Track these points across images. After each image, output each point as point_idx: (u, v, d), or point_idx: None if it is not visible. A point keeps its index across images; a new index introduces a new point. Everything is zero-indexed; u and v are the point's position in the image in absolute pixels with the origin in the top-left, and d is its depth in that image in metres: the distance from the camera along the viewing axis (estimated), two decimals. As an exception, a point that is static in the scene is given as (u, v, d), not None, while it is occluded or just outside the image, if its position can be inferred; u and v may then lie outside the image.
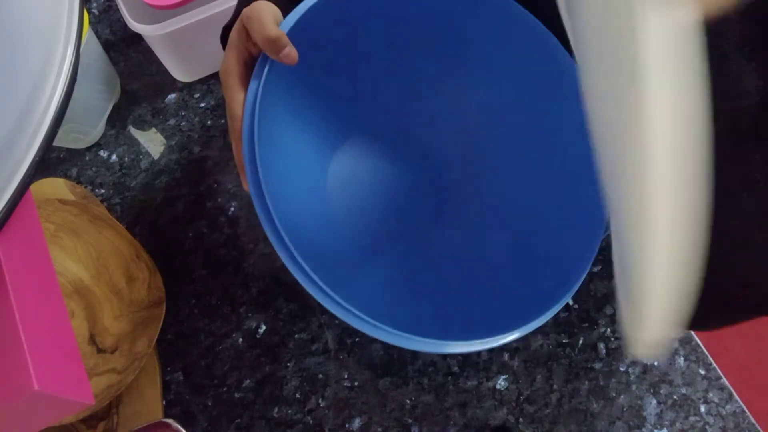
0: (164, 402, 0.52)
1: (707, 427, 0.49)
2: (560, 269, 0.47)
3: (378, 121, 0.56)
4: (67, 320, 0.35)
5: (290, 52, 0.39)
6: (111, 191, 0.61)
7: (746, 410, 0.49)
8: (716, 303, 0.35)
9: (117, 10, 0.71)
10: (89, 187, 0.61)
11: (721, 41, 0.34)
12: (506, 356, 0.52)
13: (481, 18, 0.48)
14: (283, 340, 0.53)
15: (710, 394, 0.50)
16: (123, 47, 0.69)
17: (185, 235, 0.58)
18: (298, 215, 0.48)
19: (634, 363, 0.51)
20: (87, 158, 0.63)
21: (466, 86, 0.54)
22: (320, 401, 0.51)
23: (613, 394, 0.50)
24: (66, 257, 0.51)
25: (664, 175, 0.21)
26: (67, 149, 0.63)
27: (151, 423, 0.47)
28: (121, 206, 0.60)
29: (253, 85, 0.41)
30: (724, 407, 0.49)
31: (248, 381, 0.52)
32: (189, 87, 0.66)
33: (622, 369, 0.51)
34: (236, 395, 0.52)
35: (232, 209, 0.59)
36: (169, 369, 0.53)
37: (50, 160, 0.63)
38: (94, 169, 0.62)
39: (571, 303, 0.53)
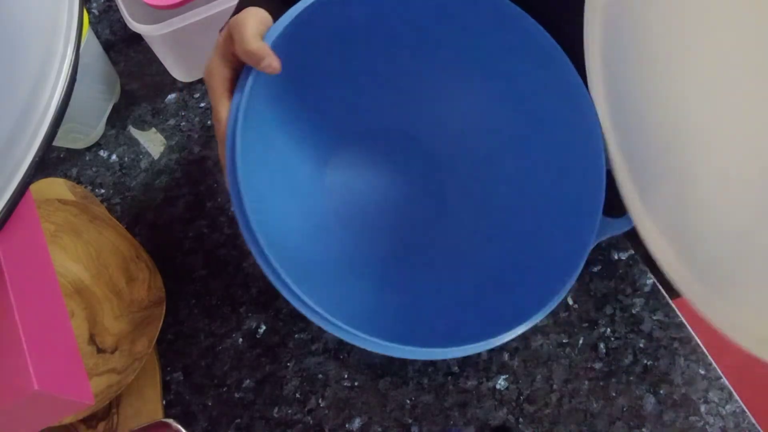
0: (164, 402, 0.52)
1: (707, 427, 0.49)
2: (553, 272, 0.47)
3: (373, 128, 0.55)
4: (67, 320, 0.35)
5: (270, 63, 0.39)
6: (111, 191, 0.61)
7: (746, 410, 0.49)
8: None
9: (117, 10, 0.71)
10: (89, 187, 0.61)
11: None
12: (506, 356, 0.52)
13: (476, 20, 0.48)
14: (283, 340, 0.53)
15: (710, 394, 0.50)
16: (123, 47, 0.69)
17: (185, 235, 0.58)
18: (284, 226, 0.48)
19: (634, 363, 0.51)
20: (87, 158, 0.63)
21: (463, 90, 0.54)
22: (320, 401, 0.51)
23: (613, 394, 0.50)
24: (66, 257, 0.51)
25: None
26: (67, 149, 0.63)
27: (151, 423, 0.47)
28: (121, 206, 0.60)
29: (236, 96, 0.40)
30: (724, 407, 0.49)
31: (248, 381, 0.52)
32: (189, 87, 0.66)
33: (622, 369, 0.51)
34: (236, 395, 0.52)
35: (232, 209, 0.59)
36: (169, 369, 0.53)
37: (50, 160, 0.63)
38: (94, 169, 0.62)
39: (571, 303, 0.53)
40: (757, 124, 0.31)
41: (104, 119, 0.64)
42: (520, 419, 0.49)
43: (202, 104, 0.65)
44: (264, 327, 0.54)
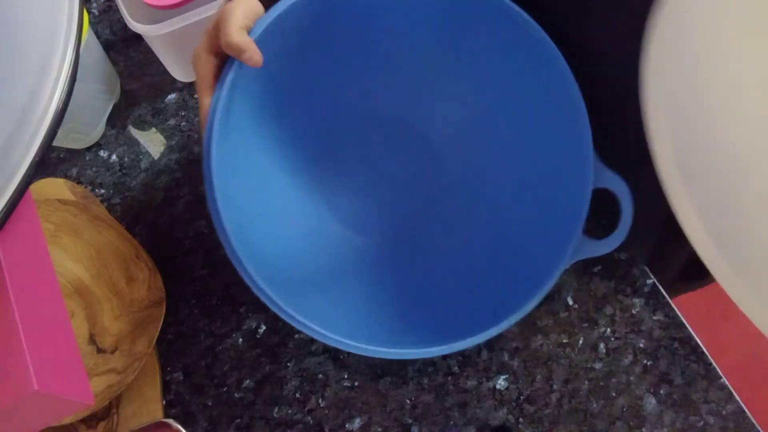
0: (164, 402, 0.52)
1: (707, 427, 0.49)
2: (537, 268, 0.48)
3: (366, 119, 0.55)
4: (67, 320, 0.35)
5: (251, 57, 0.39)
6: (111, 191, 0.61)
7: (746, 410, 0.49)
8: None
9: (117, 10, 0.71)
10: (89, 187, 0.61)
11: None
12: (506, 356, 0.52)
13: (472, 18, 0.48)
14: (283, 340, 0.53)
15: (710, 394, 0.50)
16: (123, 47, 0.69)
17: (185, 235, 0.58)
18: (264, 229, 0.48)
19: (634, 363, 0.51)
20: (87, 158, 0.63)
21: (455, 83, 0.53)
22: (320, 401, 0.51)
23: (613, 394, 0.50)
24: (66, 257, 0.51)
25: None
26: (67, 149, 0.63)
27: (151, 423, 0.47)
28: (121, 206, 0.60)
29: (217, 90, 0.41)
30: (724, 407, 0.49)
31: (248, 381, 0.52)
32: (189, 87, 0.66)
33: (622, 369, 0.51)
34: (236, 395, 0.52)
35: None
36: (169, 369, 0.53)
37: (50, 160, 0.63)
38: (94, 169, 0.62)
39: (571, 303, 0.53)
40: None
41: (104, 119, 0.64)
42: (520, 419, 0.49)
43: (202, 104, 0.65)
44: (264, 327, 0.54)
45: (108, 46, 0.69)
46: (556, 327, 0.52)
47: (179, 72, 0.65)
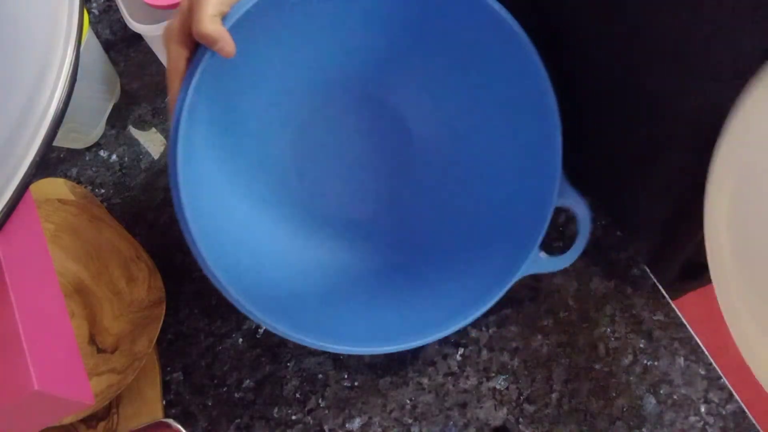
0: (164, 402, 0.52)
1: (707, 427, 0.49)
2: (490, 278, 0.48)
3: (345, 101, 0.54)
4: (67, 320, 0.35)
5: (223, 48, 0.38)
6: (111, 191, 0.61)
7: (746, 410, 0.49)
8: None
9: (117, 10, 0.71)
10: (89, 187, 0.61)
11: None
12: (506, 356, 0.52)
13: (455, 11, 0.47)
14: (283, 340, 0.53)
15: (710, 394, 0.50)
16: (123, 47, 0.69)
17: (185, 235, 0.58)
18: (231, 231, 0.48)
19: (634, 363, 0.51)
20: (87, 158, 0.63)
21: (432, 68, 0.52)
22: (320, 401, 0.51)
23: (613, 394, 0.50)
24: (66, 257, 0.51)
25: None
26: (67, 149, 0.63)
27: (151, 423, 0.47)
28: (121, 206, 0.60)
29: (184, 85, 0.39)
30: (724, 407, 0.49)
31: (248, 381, 0.52)
32: (189, 87, 0.66)
33: (622, 369, 0.51)
34: (236, 395, 0.52)
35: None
36: (169, 369, 0.53)
37: (50, 160, 0.63)
38: (94, 169, 0.62)
39: (571, 303, 0.53)
40: None
41: (104, 119, 0.64)
42: (520, 419, 0.49)
43: (202, 104, 0.65)
44: (264, 327, 0.54)
45: (108, 46, 0.69)
46: (556, 327, 0.52)
47: (179, 72, 0.65)
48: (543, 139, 0.46)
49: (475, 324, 0.52)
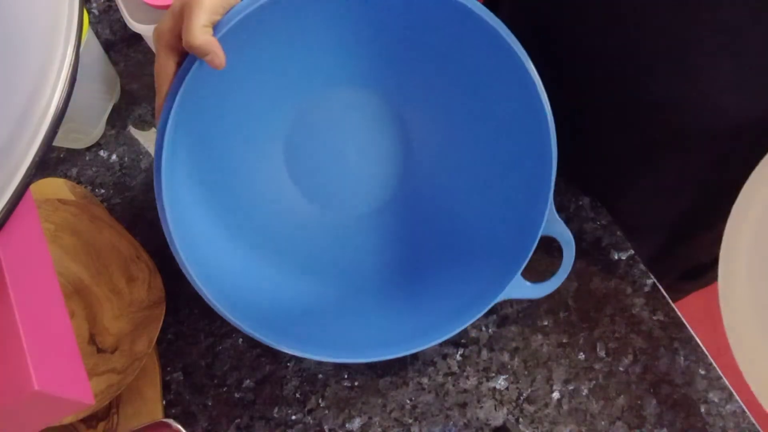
0: (164, 402, 0.52)
1: (707, 427, 0.49)
2: (470, 296, 0.48)
3: (337, 116, 0.54)
4: (67, 320, 0.35)
5: (213, 60, 0.37)
6: (111, 191, 0.61)
7: (746, 410, 0.49)
8: None
9: (117, 10, 0.71)
10: (89, 187, 0.61)
11: None
12: (506, 356, 0.52)
13: (441, 16, 0.47)
14: (283, 340, 0.53)
15: (710, 394, 0.50)
16: (123, 47, 0.69)
17: (185, 235, 0.58)
18: (218, 242, 0.49)
19: (634, 363, 0.51)
20: (87, 158, 0.63)
21: (427, 79, 0.52)
22: (320, 401, 0.51)
23: (613, 394, 0.50)
24: (66, 257, 0.51)
25: None
26: (67, 149, 0.63)
27: (151, 423, 0.47)
28: (121, 206, 0.60)
29: (168, 100, 0.39)
30: (724, 407, 0.49)
31: (248, 381, 0.52)
32: (189, 87, 0.66)
33: (622, 369, 0.51)
34: (236, 395, 0.52)
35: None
36: (169, 369, 0.53)
37: (50, 160, 0.63)
38: (94, 169, 0.62)
39: (571, 303, 0.53)
40: None
41: (104, 119, 0.64)
42: (520, 419, 0.49)
43: (202, 104, 0.65)
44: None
45: (108, 46, 0.69)
46: (556, 327, 0.52)
47: (179, 72, 0.65)
48: (538, 170, 0.46)
49: (475, 324, 0.52)
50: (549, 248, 0.50)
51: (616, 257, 0.55)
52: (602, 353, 0.51)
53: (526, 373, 0.51)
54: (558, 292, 0.53)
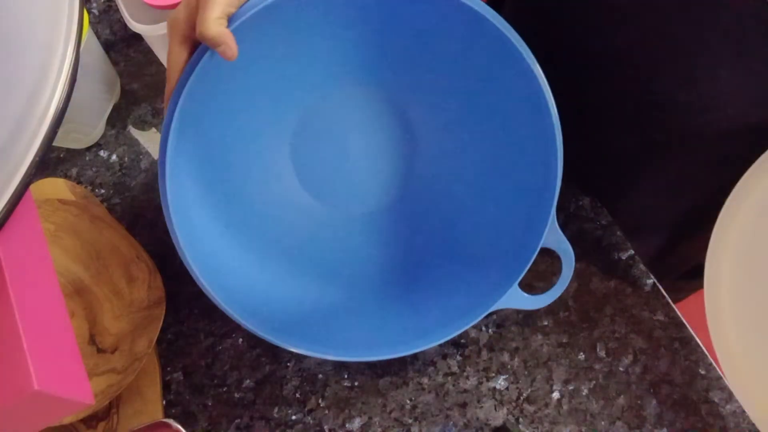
0: (164, 402, 0.52)
1: (707, 427, 0.49)
2: (466, 304, 0.48)
3: (347, 111, 0.53)
4: (67, 320, 0.35)
5: (225, 51, 0.37)
6: (111, 191, 0.61)
7: (746, 410, 0.49)
8: None
9: (117, 10, 0.71)
10: (89, 187, 0.61)
11: None
12: (506, 356, 0.52)
13: (441, 16, 0.46)
14: (283, 340, 0.53)
15: (710, 394, 0.50)
16: (123, 47, 0.69)
17: (185, 235, 0.58)
18: (219, 242, 0.49)
19: (634, 363, 0.51)
20: (87, 158, 0.63)
21: (433, 85, 0.52)
22: (320, 401, 0.51)
23: (613, 394, 0.50)
24: (66, 257, 0.51)
25: None
26: (67, 149, 0.63)
27: (151, 423, 0.47)
28: (121, 206, 0.60)
29: (175, 93, 0.39)
30: (724, 407, 0.49)
31: (248, 381, 0.52)
32: (189, 87, 0.66)
33: (622, 369, 0.51)
34: (236, 395, 0.52)
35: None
36: (169, 369, 0.53)
37: (50, 160, 0.63)
38: (94, 169, 0.62)
39: (571, 303, 0.53)
40: None
41: (104, 119, 0.64)
42: (520, 419, 0.49)
43: (202, 104, 0.65)
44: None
45: (108, 46, 0.69)
46: (556, 327, 0.52)
47: (179, 72, 0.65)
48: (541, 181, 0.46)
49: (475, 324, 0.52)
50: (549, 248, 0.50)
51: (616, 257, 0.55)
52: (602, 353, 0.51)
53: (526, 373, 0.51)
54: (558, 292, 0.53)
